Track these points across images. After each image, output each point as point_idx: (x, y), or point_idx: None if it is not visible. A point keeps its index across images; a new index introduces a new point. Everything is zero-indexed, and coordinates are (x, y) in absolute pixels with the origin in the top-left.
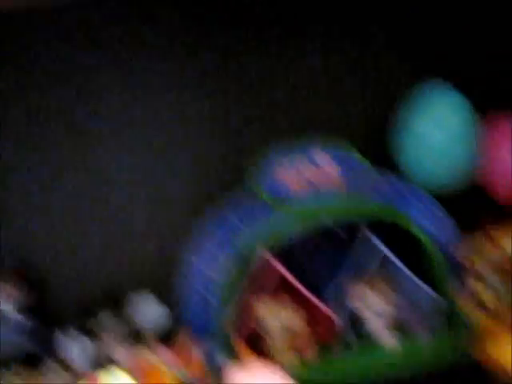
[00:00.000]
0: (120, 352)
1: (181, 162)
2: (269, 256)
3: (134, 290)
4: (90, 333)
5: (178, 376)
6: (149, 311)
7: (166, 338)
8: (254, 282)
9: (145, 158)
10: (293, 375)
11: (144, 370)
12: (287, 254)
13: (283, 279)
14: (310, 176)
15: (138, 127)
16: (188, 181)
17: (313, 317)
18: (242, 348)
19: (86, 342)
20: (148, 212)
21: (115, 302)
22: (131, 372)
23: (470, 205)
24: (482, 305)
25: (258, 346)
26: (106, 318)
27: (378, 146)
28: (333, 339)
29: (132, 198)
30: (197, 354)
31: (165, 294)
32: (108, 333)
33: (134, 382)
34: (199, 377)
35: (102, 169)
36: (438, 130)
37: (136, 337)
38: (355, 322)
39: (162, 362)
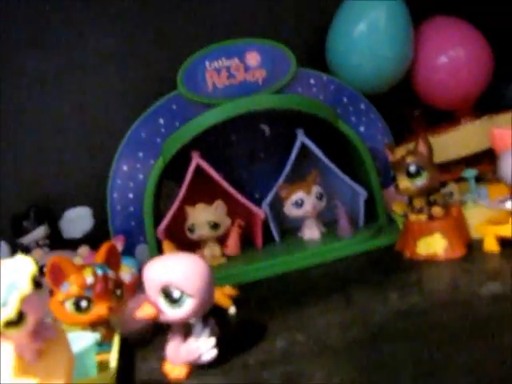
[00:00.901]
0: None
1: (112, 70)
2: (197, 158)
3: (68, 203)
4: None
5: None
6: (82, 224)
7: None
8: (185, 187)
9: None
10: (217, 267)
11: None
12: (213, 154)
13: (211, 181)
14: (237, 74)
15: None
16: (120, 89)
17: (237, 212)
18: (168, 247)
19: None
20: (81, 122)
21: (48, 215)
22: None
23: (399, 104)
24: (410, 203)
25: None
26: (37, 231)
27: (314, 49)
28: (257, 233)
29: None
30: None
31: (98, 205)
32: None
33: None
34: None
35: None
36: (370, 31)
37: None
38: (279, 216)
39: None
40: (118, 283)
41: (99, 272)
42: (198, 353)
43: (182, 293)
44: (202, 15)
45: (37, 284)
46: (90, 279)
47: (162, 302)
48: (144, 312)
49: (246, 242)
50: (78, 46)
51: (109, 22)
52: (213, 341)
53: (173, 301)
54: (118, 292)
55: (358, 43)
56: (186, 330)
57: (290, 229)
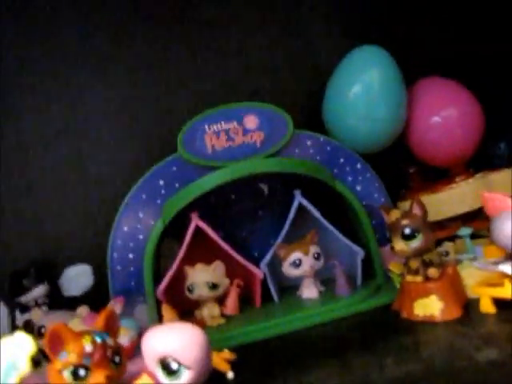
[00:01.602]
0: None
1: (113, 132)
2: (196, 219)
3: (68, 262)
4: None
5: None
6: (82, 282)
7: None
8: (185, 247)
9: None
10: (216, 328)
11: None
12: (213, 214)
13: (211, 240)
14: (236, 136)
15: None
16: (121, 151)
17: (236, 272)
18: (167, 311)
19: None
20: (82, 183)
21: (48, 273)
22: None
23: (395, 164)
24: (406, 264)
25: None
26: (37, 290)
27: (310, 112)
28: (256, 293)
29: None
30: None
31: (99, 263)
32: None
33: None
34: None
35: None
36: (364, 93)
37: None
38: (278, 275)
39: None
40: (117, 350)
41: (98, 340)
42: None
43: (180, 365)
44: (201, 79)
45: (36, 363)
46: (88, 347)
47: (160, 373)
48: (142, 383)
49: (245, 301)
50: (78, 110)
51: (108, 85)
52: None
53: (170, 372)
54: (117, 359)
55: (354, 105)
56: None
57: (288, 287)
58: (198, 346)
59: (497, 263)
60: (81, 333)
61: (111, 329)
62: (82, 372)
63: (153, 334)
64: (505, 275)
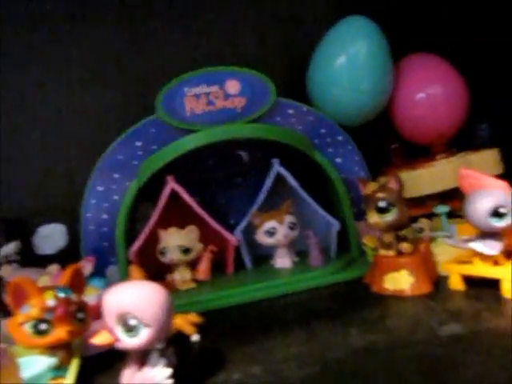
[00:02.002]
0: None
1: (93, 92)
2: (172, 182)
3: (43, 221)
4: None
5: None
6: (55, 241)
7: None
8: (159, 210)
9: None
10: (186, 292)
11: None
12: (191, 179)
13: (186, 205)
14: (216, 101)
15: None
16: (99, 111)
17: (211, 238)
18: (135, 272)
19: None
20: (58, 140)
21: (20, 231)
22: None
23: (378, 140)
24: (379, 238)
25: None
26: (8, 247)
27: (295, 81)
28: (229, 260)
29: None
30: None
31: (73, 223)
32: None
33: None
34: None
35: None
36: (350, 64)
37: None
38: (253, 244)
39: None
40: (81, 306)
41: (61, 295)
42: (153, 382)
43: (139, 322)
44: (184, 42)
45: None
46: (51, 302)
47: (119, 330)
48: (100, 339)
49: (219, 267)
50: (55, 69)
51: (89, 46)
52: (168, 371)
53: (129, 329)
54: (80, 315)
55: (338, 76)
56: (143, 358)
57: (263, 256)
58: (158, 304)
59: (468, 241)
60: (44, 287)
61: (76, 285)
62: (43, 326)
63: (113, 291)
64: (475, 253)
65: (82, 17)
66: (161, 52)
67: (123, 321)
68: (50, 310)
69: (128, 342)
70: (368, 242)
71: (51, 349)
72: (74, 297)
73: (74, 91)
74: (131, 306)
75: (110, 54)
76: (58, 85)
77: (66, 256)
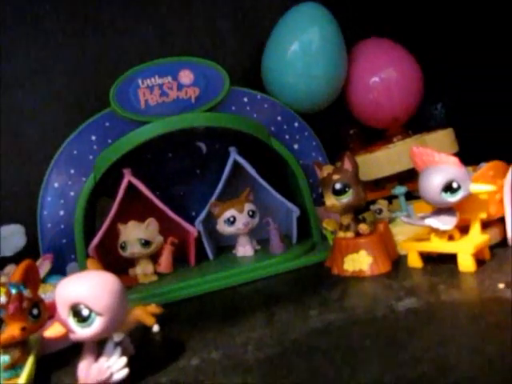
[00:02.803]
0: None
1: (44, 87)
2: (129, 175)
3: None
4: None
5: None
6: (14, 242)
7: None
8: (117, 204)
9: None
10: (149, 285)
11: None
12: (150, 172)
13: (145, 198)
14: (170, 92)
15: None
16: (52, 106)
17: (171, 231)
18: (92, 265)
19: None
20: (11, 139)
21: None
22: None
23: (333, 124)
24: (338, 221)
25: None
26: None
27: (249, 69)
28: (190, 251)
29: None
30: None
31: (31, 223)
32: None
33: None
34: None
35: None
36: (303, 51)
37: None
38: (213, 234)
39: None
40: (35, 302)
41: (13, 291)
42: (109, 372)
43: (91, 311)
44: (135, 33)
45: None
46: (2, 299)
47: (72, 321)
48: (53, 331)
49: (181, 260)
50: (8, 60)
51: (41, 37)
52: (124, 360)
53: (81, 319)
54: (35, 312)
55: (292, 62)
56: (98, 349)
57: (225, 247)
58: (110, 293)
59: (423, 218)
60: None
61: (30, 281)
62: None
63: (65, 282)
64: (431, 230)
65: (32, 8)
66: (112, 44)
67: (75, 311)
68: (2, 306)
69: (81, 332)
70: (327, 225)
71: (5, 347)
72: (27, 293)
73: (26, 86)
74: (82, 295)
75: (58, 47)
76: (8, 81)
77: (26, 257)
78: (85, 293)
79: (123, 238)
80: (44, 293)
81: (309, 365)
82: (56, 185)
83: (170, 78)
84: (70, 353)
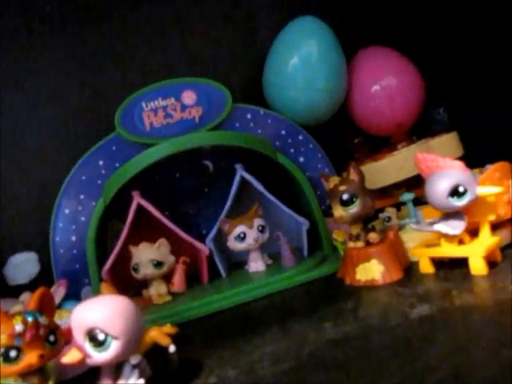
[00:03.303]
0: None
1: (49, 115)
2: (138, 197)
3: (12, 249)
4: None
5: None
6: (27, 269)
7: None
8: (128, 226)
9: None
10: (163, 305)
11: None
12: (158, 192)
13: (155, 219)
14: (174, 113)
15: None
16: (58, 134)
17: (183, 250)
18: (106, 289)
19: None
20: (19, 167)
21: None
22: None
23: (338, 135)
24: (348, 231)
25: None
26: None
27: (251, 86)
28: (202, 269)
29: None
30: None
31: (44, 250)
32: None
33: None
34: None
35: None
36: (303, 65)
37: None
38: (225, 251)
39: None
40: (52, 329)
41: (29, 319)
42: None
43: (107, 335)
44: (136, 57)
45: None
46: (19, 327)
47: (88, 346)
48: (70, 357)
49: (194, 278)
50: (12, 88)
51: (44, 64)
52: (142, 382)
53: (98, 344)
54: (52, 338)
55: (293, 76)
56: (116, 373)
57: (238, 263)
58: (125, 316)
59: (432, 224)
60: (12, 314)
61: (46, 308)
62: (12, 353)
63: (80, 308)
64: (441, 235)
65: (39, 33)
66: (114, 69)
67: (91, 336)
68: (19, 335)
69: (98, 356)
70: (337, 236)
71: (24, 375)
72: (43, 320)
73: (33, 116)
74: (97, 320)
75: (63, 76)
76: (13, 109)
77: (40, 283)
78: (100, 317)
79: (135, 260)
80: (60, 319)
81: (326, 377)
82: (67, 211)
83: (173, 100)
84: (89, 378)
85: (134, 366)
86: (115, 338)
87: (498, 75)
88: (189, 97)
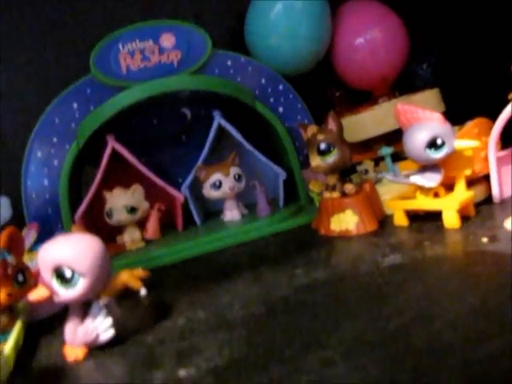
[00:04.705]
0: None
1: (23, 55)
2: (113, 141)
3: None
4: None
5: None
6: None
7: None
8: (102, 171)
9: None
10: (137, 251)
11: None
12: (135, 138)
13: (131, 165)
14: (151, 56)
15: None
16: (31, 75)
17: (158, 197)
18: (77, 231)
19: None
20: None
21: None
22: None
23: (319, 86)
24: (324, 182)
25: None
26: None
27: (233, 32)
28: (177, 217)
29: None
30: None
31: (16, 194)
32: None
33: None
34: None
35: None
36: (287, 12)
37: None
38: (200, 200)
39: None
40: (20, 269)
41: None
42: (95, 333)
43: (74, 272)
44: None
45: None
46: None
47: (55, 283)
48: (37, 294)
49: (168, 226)
50: None
51: (19, 5)
52: (110, 321)
53: (65, 281)
54: (20, 278)
55: (276, 24)
56: (84, 312)
57: (213, 213)
58: (92, 254)
59: (408, 175)
60: None
61: (14, 248)
62: None
63: (47, 245)
64: (417, 188)
65: None
66: (91, 9)
67: (58, 273)
68: None
69: (65, 294)
70: (313, 187)
71: None
72: (11, 259)
73: (5, 56)
74: (65, 257)
75: (35, 12)
76: None
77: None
78: (67, 254)
79: (109, 206)
80: (31, 261)
81: (293, 320)
82: (39, 154)
83: (151, 42)
84: (60, 318)
85: (103, 306)
86: (82, 274)
87: (484, 33)
88: (168, 40)
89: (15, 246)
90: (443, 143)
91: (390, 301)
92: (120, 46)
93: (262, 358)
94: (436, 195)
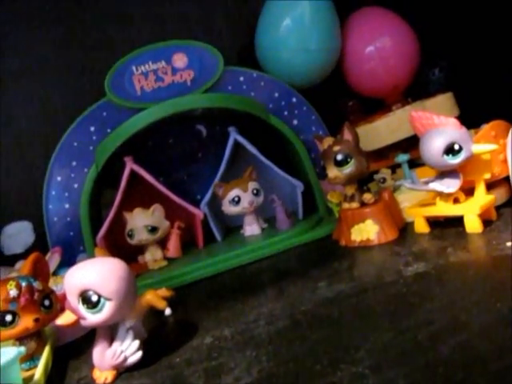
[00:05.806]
0: None
1: (39, 81)
2: (130, 163)
3: (6, 219)
4: None
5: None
6: (22, 238)
7: None
8: (121, 192)
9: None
10: (159, 270)
11: None
12: (152, 158)
13: (150, 185)
14: (165, 76)
15: None
16: (49, 100)
17: (178, 215)
18: (99, 253)
19: None
20: (10, 136)
21: None
22: None
23: (332, 97)
24: (342, 193)
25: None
26: None
27: (243, 48)
28: (197, 234)
29: None
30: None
31: (38, 218)
32: None
33: None
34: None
35: None
36: (296, 26)
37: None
38: (220, 216)
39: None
40: (47, 293)
41: (23, 284)
42: (123, 356)
43: (100, 296)
44: (126, 20)
45: None
46: (13, 292)
47: (82, 308)
48: (64, 319)
49: (189, 243)
50: (1, 55)
51: (34, 31)
52: (137, 343)
53: (91, 305)
54: (47, 303)
55: (286, 38)
56: (111, 335)
57: (233, 228)
58: (118, 277)
59: (427, 182)
60: (5, 279)
61: (39, 273)
62: (8, 317)
63: (73, 270)
64: (436, 194)
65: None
66: (104, 33)
67: (85, 298)
68: (14, 300)
69: (92, 318)
70: (332, 198)
71: (20, 339)
72: (37, 284)
73: (21, 82)
74: (90, 281)
75: (53, 42)
76: (3, 76)
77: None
78: (92, 279)
79: (130, 226)
80: (55, 285)
81: (320, 334)
82: (59, 178)
83: (163, 63)
84: (87, 342)
85: (129, 329)
86: (108, 299)
87: (494, 36)
88: (180, 59)
89: (40, 271)
90: (461, 148)
91: (417, 311)
92: (134, 69)
93: (292, 375)
94: (456, 200)
